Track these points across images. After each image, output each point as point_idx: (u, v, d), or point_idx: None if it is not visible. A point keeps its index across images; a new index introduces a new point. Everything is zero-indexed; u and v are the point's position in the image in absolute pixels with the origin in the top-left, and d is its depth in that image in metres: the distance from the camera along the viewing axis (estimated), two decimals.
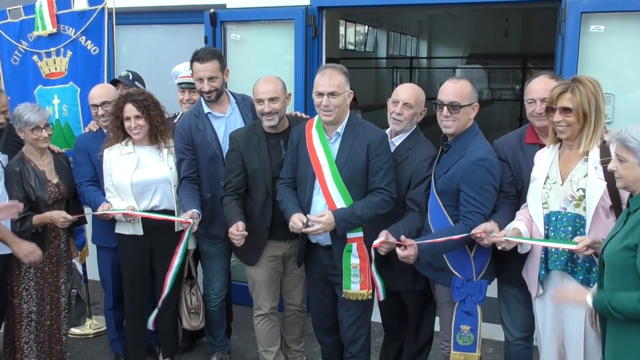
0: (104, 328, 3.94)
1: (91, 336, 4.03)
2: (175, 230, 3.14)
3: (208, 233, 3.25)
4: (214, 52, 3.16)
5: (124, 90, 3.44)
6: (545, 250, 2.44)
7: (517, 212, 2.58)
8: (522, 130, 2.74)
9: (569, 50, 3.40)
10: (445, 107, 2.59)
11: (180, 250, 3.05)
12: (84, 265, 4.01)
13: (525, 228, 2.46)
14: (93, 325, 4.09)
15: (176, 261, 3.06)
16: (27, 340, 3.08)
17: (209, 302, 3.40)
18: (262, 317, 3.18)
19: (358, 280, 2.72)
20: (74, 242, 3.43)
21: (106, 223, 3.23)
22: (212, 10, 4.10)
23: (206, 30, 4.14)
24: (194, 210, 2.99)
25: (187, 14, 4.31)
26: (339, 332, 3.03)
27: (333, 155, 2.74)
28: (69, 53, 3.89)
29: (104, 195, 3.20)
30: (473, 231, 2.47)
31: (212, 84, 3.10)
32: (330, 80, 2.68)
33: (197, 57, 3.11)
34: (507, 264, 2.67)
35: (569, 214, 2.37)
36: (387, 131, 2.90)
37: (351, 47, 13.56)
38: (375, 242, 2.61)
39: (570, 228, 2.37)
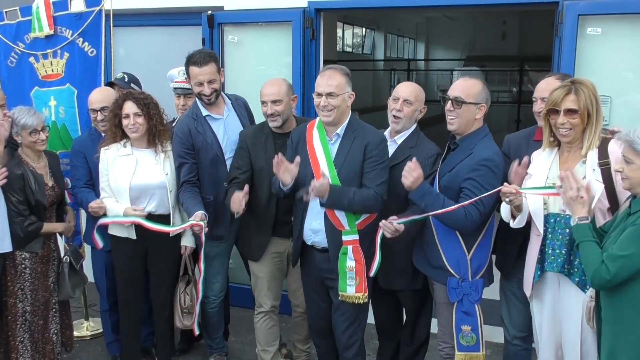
0: (101, 330, 3.93)
1: (88, 338, 4.02)
2: (171, 235, 3.12)
3: (211, 234, 3.24)
4: (209, 54, 3.15)
5: (120, 92, 3.43)
6: (542, 251, 2.45)
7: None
8: (534, 128, 2.78)
9: (566, 52, 3.40)
10: (449, 101, 2.61)
11: (202, 255, 3.12)
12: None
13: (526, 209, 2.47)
14: (90, 327, 4.09)
15: (202, 266, 3.14)
16: (22, 339, 3.07)
17: (208, 303, 3.39)
18: (263, 314, 3.21)
19: (354, 283, 2.71)
20: (73, 214, 3.39)
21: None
22: (209, 12, 4.09)
23: (204, 32, 4.14)
24: (201, 211, 2.99)
25: (184, 15, 4.31)
26: (334, 335, 3.02)
27: (332, 157, 2.74)
28: (66, 55, 3.87)
29: (98, 196, 3.19)
30: (504, 189, 2.38)
31: (212, 86, 3.10)
32: (329, 81, 2.69)
33: (193, 61, 3.08)
34: (507, 259, 2.73)
35: (567, 217, 2.37)
36: (387, 131, 2.91)
37: (349, 50, 13.59)
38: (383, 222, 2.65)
39: (567, 230, 2.37)
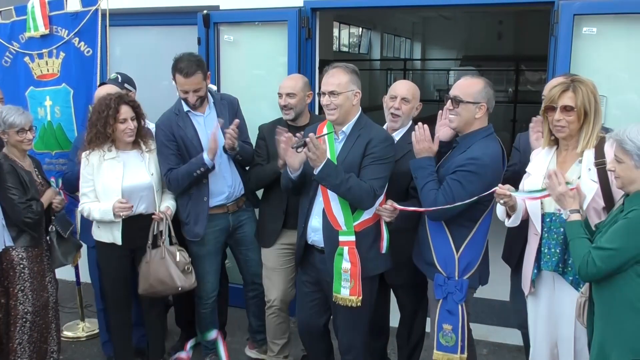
0: (97, 331, 3.93)
1: (83, 339, 4.00)
2: (154, 233, 3.11)
3: (192, 231, 3.26)
4: (197, 62, 3.10)
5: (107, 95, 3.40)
6: (539, 250, 2.46)
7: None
8: None
9: (561, 52, 3.41)
10: (449, 100, 2.62)
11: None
12: (76, 268, 3.98)
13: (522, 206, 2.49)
14: (86, 328, 4.07)
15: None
16: (20, 341, 3.07)
17: (200, 303, 3.39)
18: (271, 309, 3.31)
19: (348, 285, 2.67)
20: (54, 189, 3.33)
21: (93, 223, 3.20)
22: (205, 11, 4.08)
23: (199, 32, 4.13)
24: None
25: (180, 15, 4.29)
26: (323, 341, 3.02)
27: (336, 154, 2.73)
28: (62, 54, 3.86)
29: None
30: (498, 190, 2.39)
31: (198, 94, 3.14)
32: (331, 79, 2.69)
33: (179, 69, 3.07)
34: (513, 253, 2.81)
35: (562, 216, 2.37)
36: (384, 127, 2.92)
37: (345, 49, 13.59)
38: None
39: (562, 229, 2.37)
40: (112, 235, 3.12)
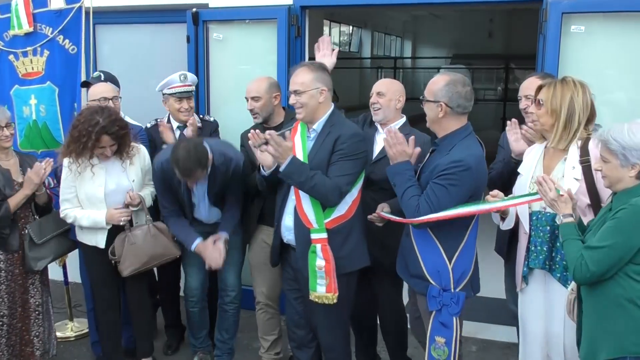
0: (85, 330, 3.89)
1: (72, 339, 3.97)
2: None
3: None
4: (197, 162, 2.87)
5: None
6: (527, 247, 2.47)
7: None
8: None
9: (550, 50, 3.41)
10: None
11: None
12: (64, 267, 3.95)
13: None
14: (74, 327, 4.04)
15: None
16: None
17: (188, 302, 3.38)
18: (259, 305, 3.33)
19: (324, 282, 2.63)
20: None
21: None
22: (194, 9, 4.05)
23: (188, 30, 4.09)
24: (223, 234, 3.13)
25: (169, 13, 4.25)
26: (311, 346, 2.97)
27: (307, 152, 2.71)
28: (46, 52, 3.82)
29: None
30: (489, 198, 2.40)
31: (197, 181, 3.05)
32: (296, 79, 2.67)
33: (178, 167, 2.87)
34: (502, 244, 2.87)
35: (548, 214, 2.39)
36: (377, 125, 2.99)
37: (336, 47, 13.53)
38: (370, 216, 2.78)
39: (548, 227, 2.39)
40: (96, 239, 3.11)
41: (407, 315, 2.97)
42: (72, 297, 4.08)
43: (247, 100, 3.20)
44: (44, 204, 3.20)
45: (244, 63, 4.13)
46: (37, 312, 3.19)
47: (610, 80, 3.45)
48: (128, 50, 4.51)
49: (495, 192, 2.45)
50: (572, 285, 2.29)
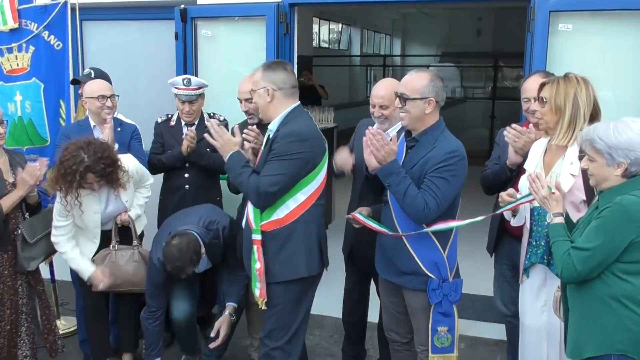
0: (73, 329, 3.86)
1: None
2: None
3: None
4: (191, 260, 2.88)
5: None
6: (529, 242, 2.50)
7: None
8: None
9: (537, 48, 3.43)
10: (397, 98, 2.53)
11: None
12: (51, 265, 3.90)
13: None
14: (61, 325, 3.98)
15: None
16: None
17: (173, 327, 3.32)
18: (249, 304, 3.24)
19: (259, 286, 2.56)
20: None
21: None
22: (182, 6, 4.02)
23: (177, 27, 4.06)
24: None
25: (157, 9, 4.22)
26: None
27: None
28: (32, 48, 3.78)
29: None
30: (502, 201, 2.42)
31: None
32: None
33: (171, 267, 2.89)
34: (499, 241, 2.88)
35: (546, 217, 2.39)
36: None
37: (325, 45, 13.57)
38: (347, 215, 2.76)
39: (546, 223, 2.38)
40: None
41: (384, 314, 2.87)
42: (59, 295, 4.04)
43: (241, 102, 3.12)
44: (35, 203, 3.13)
45: (233, 60, 4.11)
46: (24, 314, 3.13)
47: (598, 78, 3.43)
48: (116, 47, 4.46)
49: (512, 191, 2.45)
50: (559, 282, 2.31)
